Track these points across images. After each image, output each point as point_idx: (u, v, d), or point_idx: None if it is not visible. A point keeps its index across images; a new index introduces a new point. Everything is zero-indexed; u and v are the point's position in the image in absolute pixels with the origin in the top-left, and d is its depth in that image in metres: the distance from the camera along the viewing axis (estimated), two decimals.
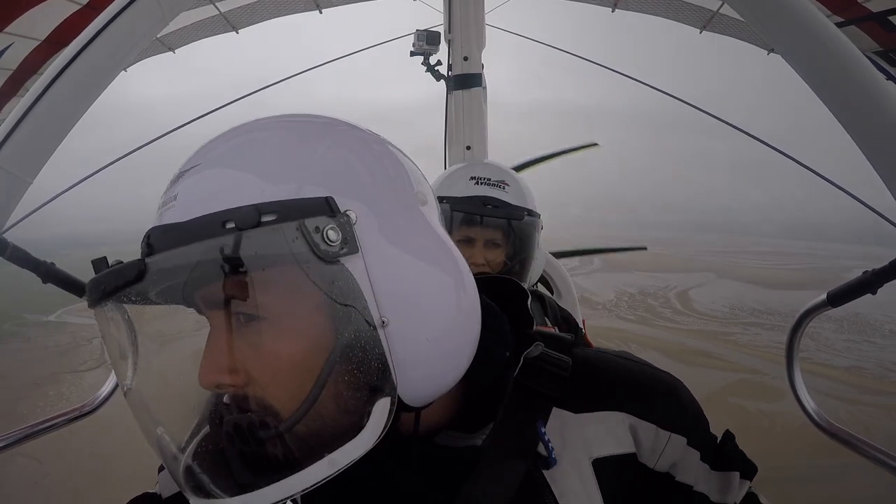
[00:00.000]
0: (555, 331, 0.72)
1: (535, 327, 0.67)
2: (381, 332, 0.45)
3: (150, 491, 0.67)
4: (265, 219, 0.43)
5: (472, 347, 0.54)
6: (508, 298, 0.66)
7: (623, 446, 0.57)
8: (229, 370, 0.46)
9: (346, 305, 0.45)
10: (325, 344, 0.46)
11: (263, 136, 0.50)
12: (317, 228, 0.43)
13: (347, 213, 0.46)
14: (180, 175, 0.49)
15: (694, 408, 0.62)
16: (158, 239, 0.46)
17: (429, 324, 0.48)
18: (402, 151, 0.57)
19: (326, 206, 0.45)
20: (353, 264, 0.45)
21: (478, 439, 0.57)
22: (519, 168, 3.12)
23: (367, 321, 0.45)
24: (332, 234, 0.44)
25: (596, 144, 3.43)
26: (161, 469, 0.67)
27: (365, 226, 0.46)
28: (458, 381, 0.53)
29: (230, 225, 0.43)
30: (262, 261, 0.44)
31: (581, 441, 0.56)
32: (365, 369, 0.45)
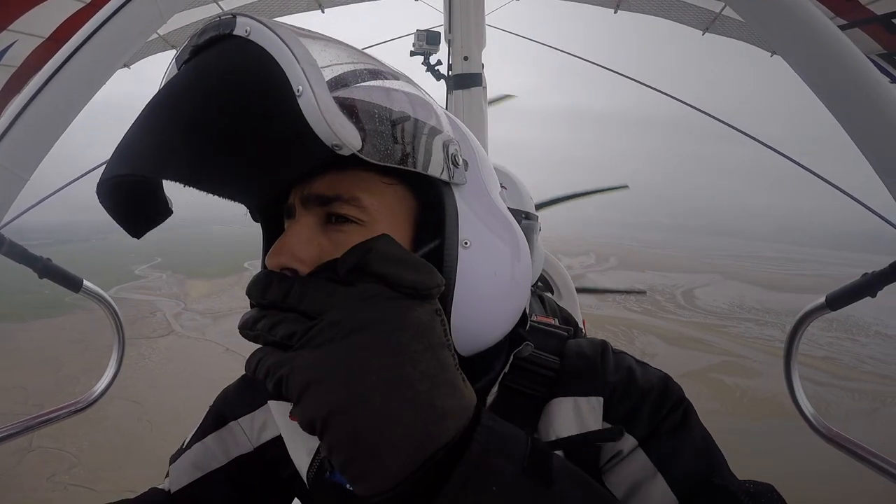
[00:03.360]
0: (555, 325, 0.72)
1: (535, 318, 0.68)
2: (460, 250, 0.50)
3: (159, 486, 0.67)
4: (427, 122, 0.48)
5: (514, 318, 0.57)
6: None
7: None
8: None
9: (440, 222, 0.50)
10: None
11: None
12: (451, 145, 0.51)
13: (464, 160, 0.54)
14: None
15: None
16: None
17: (493, 266, 0.52)
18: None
19: (458, 146, 0.53)
20: (458, 193, 0.52)
21: None
22: (546, 204, 3.13)
23: (453, 237, 0.50)
24: (457, 160, 0.51)
25: (626, 187, 3.47)
26: (172, 460, 0.68)
27: (468, 176, 0.54)
28: (489, 345, 0.55)
29: (402, 109, 0.46)
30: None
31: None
32: None
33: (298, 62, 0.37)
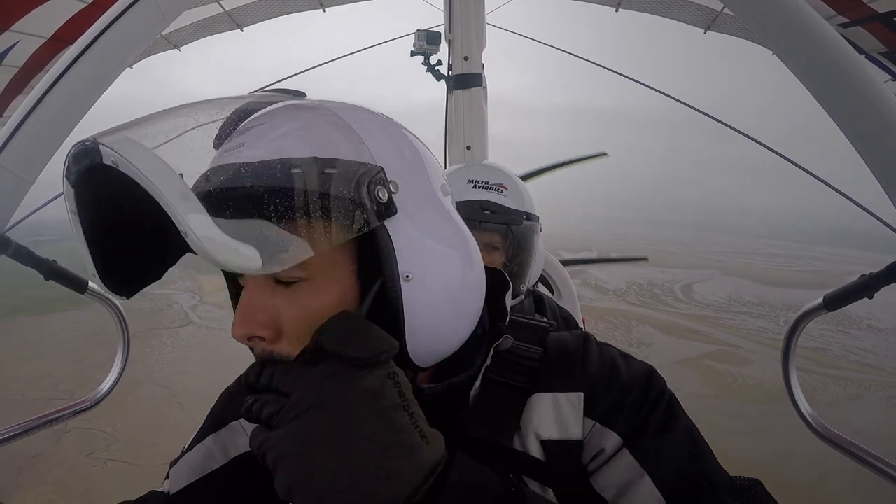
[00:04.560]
0: (537, 319, 0.74)
1: (517, 316, 0.69)
2: (403, 285, 0.50)
3: (158, 490, 0.68)
4: (327, 170, 0.46)
5: (472, 322, 0.59)
6: (489, 289, 0.68)
7: (568, 433, 0.57)
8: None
9: (377, 260, 0.50)
10: (355, 295, 0.51)
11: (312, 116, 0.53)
12: (370, 185, 0.47)
13: (393, 181, 0.50)
14: (241, 131, 0.51)
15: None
16: (219, 174, 0.47)
17: (439, 288, 0.53)
18: (427, 148, 0.61)
19: (381, 172, 0.49)
20: (391, 225, 0.50)
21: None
22: (528, 176, 3.13)
23: (393, 276, 0.50)
24: (381, 194, 0.48)
25: (605, 154, 3.47)
26: (173, 464, 0.68)
27: (402, 197, 0.51)
28: (452, 352, 0.57)
29: (296, 170, 0.45)
30: (320, 204, 0.45)
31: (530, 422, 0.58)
32: (383, 320, 0.50)
33: (171, 206, 0.38)
